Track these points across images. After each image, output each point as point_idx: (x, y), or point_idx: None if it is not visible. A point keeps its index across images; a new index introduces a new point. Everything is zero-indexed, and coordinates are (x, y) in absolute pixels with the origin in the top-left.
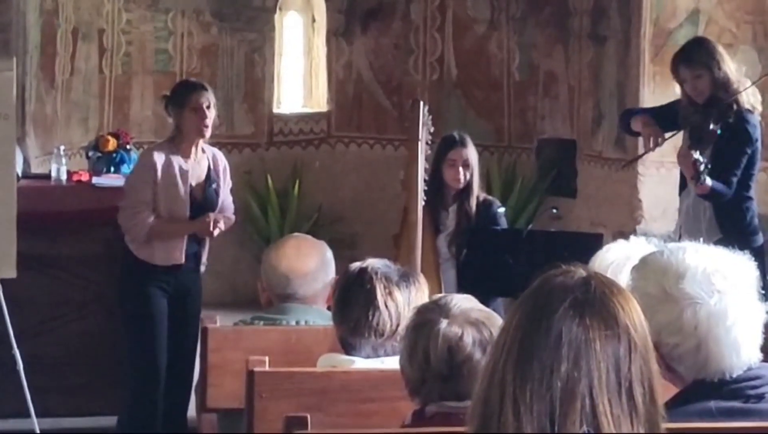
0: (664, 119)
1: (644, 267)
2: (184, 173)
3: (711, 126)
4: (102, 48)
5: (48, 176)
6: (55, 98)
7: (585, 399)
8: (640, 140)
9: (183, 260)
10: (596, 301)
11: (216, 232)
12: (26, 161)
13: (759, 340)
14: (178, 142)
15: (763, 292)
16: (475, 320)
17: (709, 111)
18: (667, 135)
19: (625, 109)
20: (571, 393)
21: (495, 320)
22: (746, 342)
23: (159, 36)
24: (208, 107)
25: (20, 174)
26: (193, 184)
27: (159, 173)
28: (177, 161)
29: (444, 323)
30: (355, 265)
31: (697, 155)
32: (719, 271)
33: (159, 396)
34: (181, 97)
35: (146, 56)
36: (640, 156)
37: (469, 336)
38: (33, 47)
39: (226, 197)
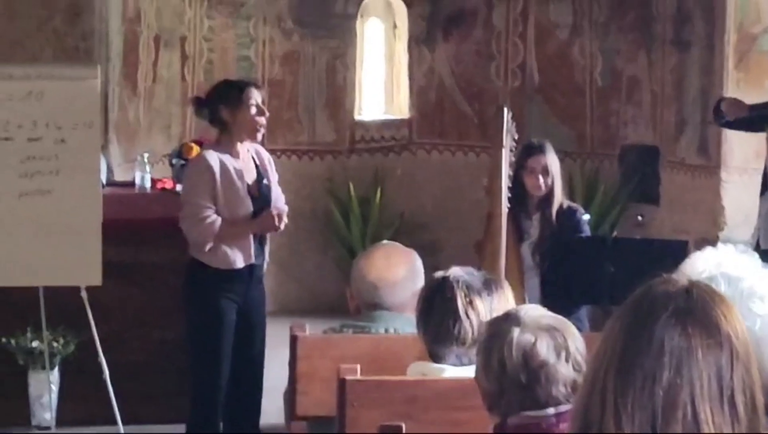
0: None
1: None
2: (239, 173)
3: None
4: (184, 55)
5: (132, 184)
6: (137, 106)
7: (687, 408)
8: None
9: (253, 259)
10: (698, 310)
11: (282, 226)
12: (110, 169)
13: None
14: (227, 143)
15: None
16: (547, 326)
17: None
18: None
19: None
20: (673, 402)
21: (567, 326)
22: None
23: (241, 43)
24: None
25: (104, 182)
26: (249, 183)
27: (217, 175)
28: (230, 161)
29: (516, 332)
30: (438, 274)
31: None
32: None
33: (220, 407)
34: (238, 95)
35: (228, 63)
36: (724, 120)
37: (543, 342)
38: (115, 55)
39: (276, 190)
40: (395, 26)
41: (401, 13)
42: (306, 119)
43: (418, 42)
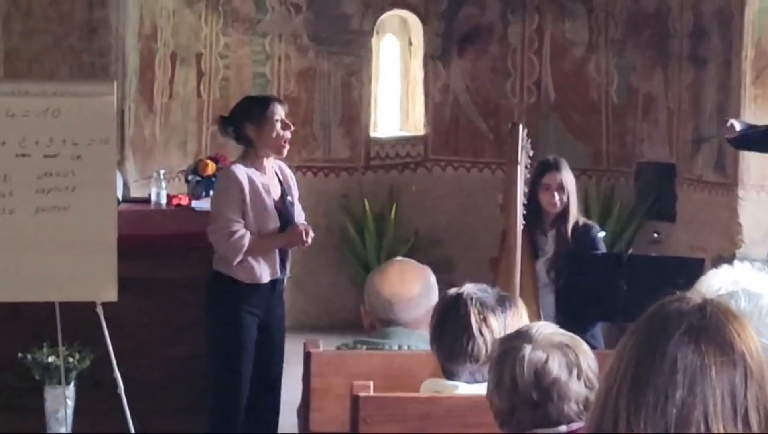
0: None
1: None
2: (266, 188)
3: None
4: (200, 72)
5: (148, 200)
6: (153, 122)
7: (700, 426)
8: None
9: (279, 274)
10: (712, 327)
11: (309, 241)
12: (126, 185)
13: None
14: (253, 159)
15: None
16: (558, 343)
17: None
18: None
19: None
20: (686, 420)
21: (578, 343)
22: None
23: (256, 60)
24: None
25: (120, 198)
26: (275, 198)
27: (246, 190)
28: (257, 176)
29: (528, 349)
30: (452, 291)
31: None
32: None
33: (240, 421)
34: (262, 111)
35: (244, 80)
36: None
37: (555, 360)
38: (132, 72)
39: (298, 207)
40: (411, 43)
41: (417, 29)
42: (321, 135)
43: (433, 58)
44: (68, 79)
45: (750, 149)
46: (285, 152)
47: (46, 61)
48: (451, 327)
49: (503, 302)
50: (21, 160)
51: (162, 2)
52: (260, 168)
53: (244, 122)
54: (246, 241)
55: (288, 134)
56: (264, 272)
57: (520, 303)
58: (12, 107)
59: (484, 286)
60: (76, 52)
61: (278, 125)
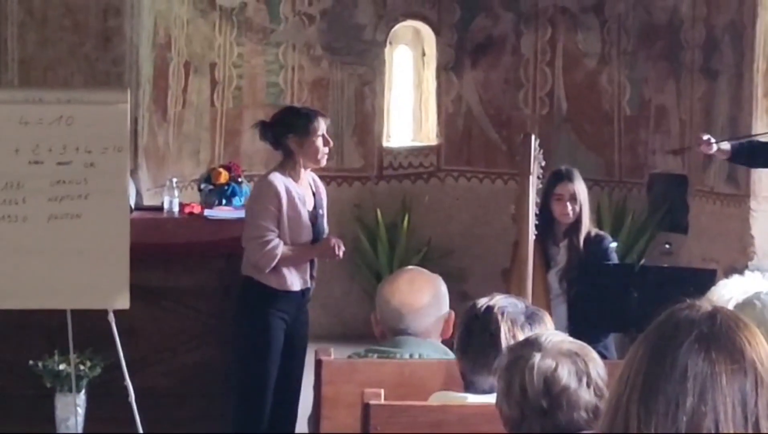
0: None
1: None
2: (302, 199)
3: None
4: (213, 81)
5: (160, 208)
6: (167, 131)
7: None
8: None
9: (309, 283)
10: (722, 335)
11: (341, 254)
12: (138, 193)
13: None
14: (291, 168)
15: None
16: (567, 351)
17: None
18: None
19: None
20: (697, 428)
21: (588, 351)
22: None
23: (270, 69)
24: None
25: (133, 206)
26: (309, 209)
27: (284, 201)
28: (294, 187)
29: (537, 357)
30: (482, 302)
31: None
32: None
33: (264, 425)
34: (306, 124)
35: (257, 89)
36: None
37: (564, 368)
38: (146, 80)
39: (325, 220)
40: (424, 53)
41: (430, 40)
42: (334, 145)
43: (446, 69)
44: (82, 88)
45: (751, 164)
46: (324, 161)
47: (61, 70)
48: (478, 339)
49: (532, 319)
50: (34, 167)
51: (176, 12)
52: (297, 179)
53: (287, 132)
54: (279, 251)
55: (327, 149)
56: (295, 281)
57: (547, 318)
58: (25, 115)
59: (513, 300)
60: (90, 61)
61: (320, 140)
